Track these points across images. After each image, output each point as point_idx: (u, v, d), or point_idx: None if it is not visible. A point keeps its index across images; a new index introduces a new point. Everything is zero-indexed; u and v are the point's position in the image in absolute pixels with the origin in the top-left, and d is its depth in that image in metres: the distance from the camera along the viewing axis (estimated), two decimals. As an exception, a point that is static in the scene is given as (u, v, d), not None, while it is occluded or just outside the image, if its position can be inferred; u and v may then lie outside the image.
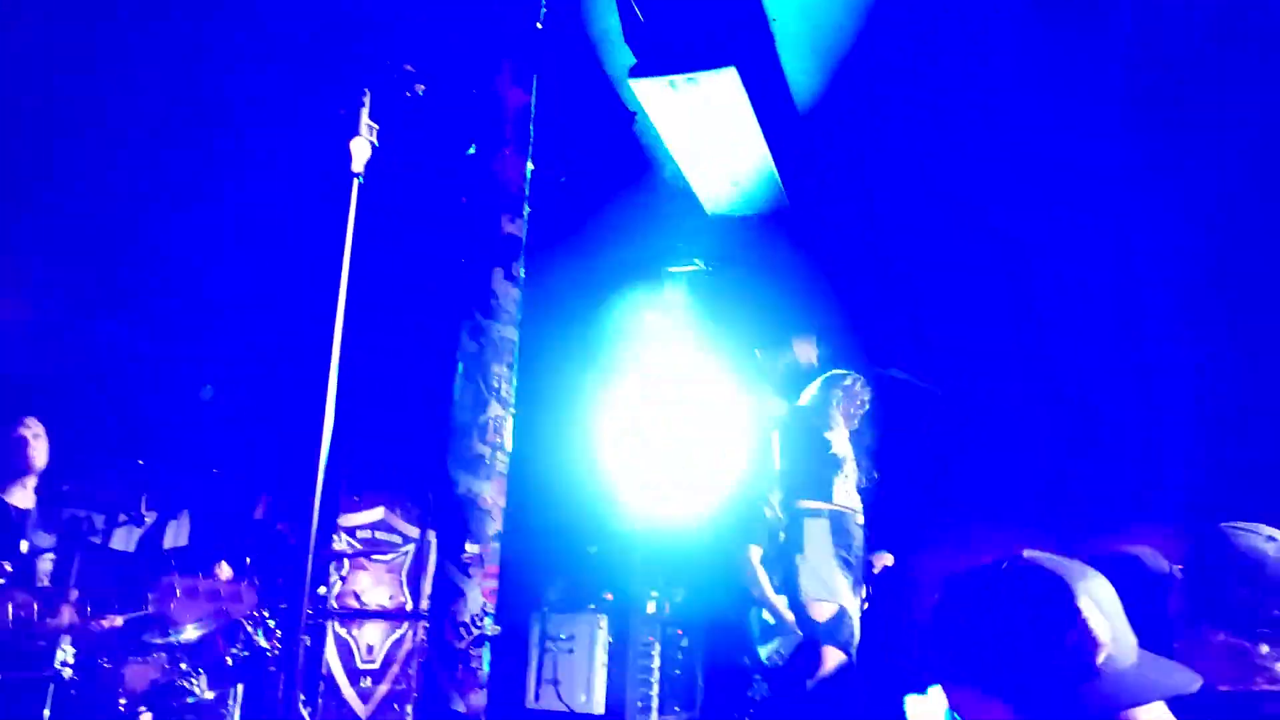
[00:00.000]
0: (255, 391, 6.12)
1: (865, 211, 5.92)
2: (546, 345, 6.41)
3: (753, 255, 6.50)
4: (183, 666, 4.06)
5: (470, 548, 3.33)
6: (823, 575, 4.56)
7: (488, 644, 3.22)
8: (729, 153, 5.07)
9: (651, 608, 7.62)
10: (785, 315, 6.75)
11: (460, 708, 3.12)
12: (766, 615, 5.47)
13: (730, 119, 4.63)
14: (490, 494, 3.42)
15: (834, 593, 4.56)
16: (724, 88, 4.34)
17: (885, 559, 6.69)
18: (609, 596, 7.46)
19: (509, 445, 3.51)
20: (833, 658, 4.43)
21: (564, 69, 4.24)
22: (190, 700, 4.01)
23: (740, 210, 5.77)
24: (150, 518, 5.57)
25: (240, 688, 4.50)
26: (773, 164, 5.10)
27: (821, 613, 4.59)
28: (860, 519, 4.78)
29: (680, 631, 7.92)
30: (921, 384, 5.53)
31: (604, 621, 7.35)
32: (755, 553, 5.38)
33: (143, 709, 3.89)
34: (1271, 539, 1.94)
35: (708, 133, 4.77)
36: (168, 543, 5.54)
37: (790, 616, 4.92)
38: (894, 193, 5.70)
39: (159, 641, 4.05)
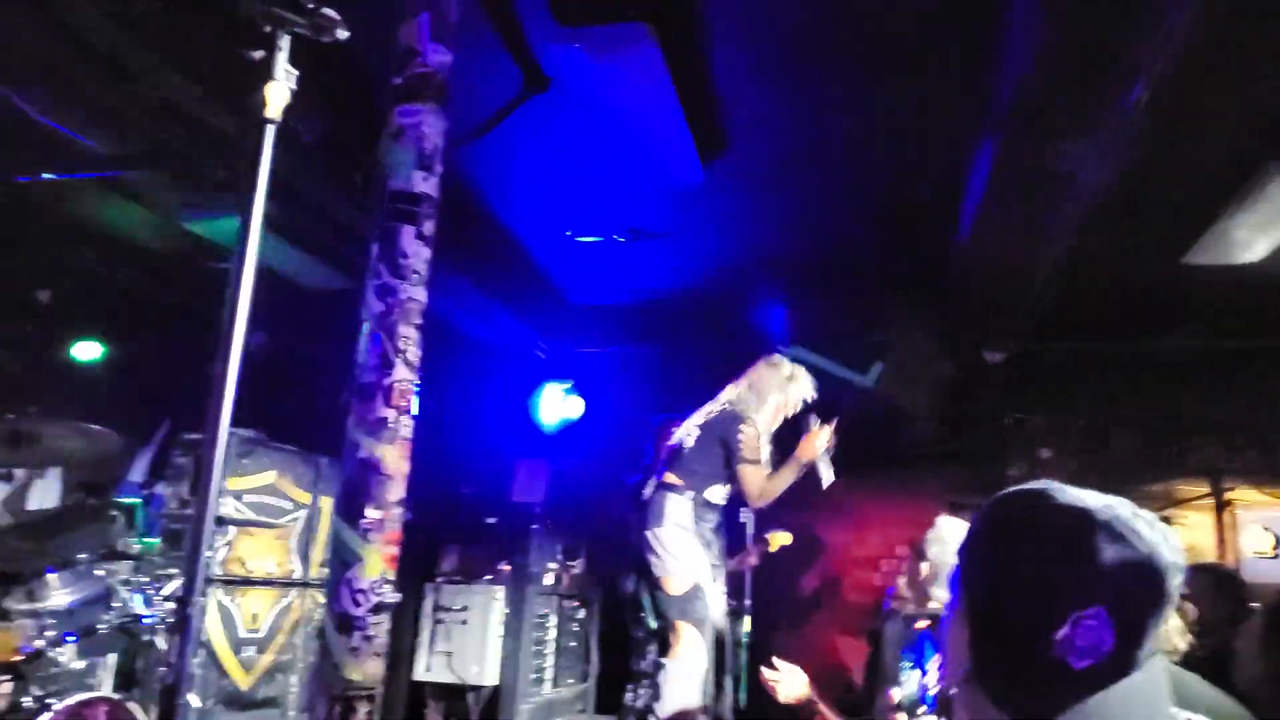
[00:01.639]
0: (146, 346, 6.03)
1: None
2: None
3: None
4: (49, 634, 3.85)
5: (371, 513, 3.21)
6: (675, 550, 4.57)
7: (387, 612, 3.13)
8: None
9: (549, 579, 7.66)
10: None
11: (356, 675, 3.04)
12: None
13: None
14: (393, 459, 3.33)
15: (688, 568, 4.56)
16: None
17: (782, 538, 7.20)
18: (506, 568, 7.44)
19: (414, 410, 3.41)
20: (686, 633, 4.43)
21: (486, 29, 4.20)
22: (55, 670, 3.81)
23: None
24: (20, 475, 5.46)
25: (113, 658, 4.41)
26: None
27: (675, 587, 4.60)
28: (721, 498, 4.73)
29: (578, 603, 8.00)
30: None
31: (500, 593, 7.35)
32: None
33: (4, 678, 3.70)
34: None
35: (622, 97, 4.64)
36: (32, 503, 5.42)
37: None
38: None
39: (23, 607, 3.88)
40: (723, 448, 4.72)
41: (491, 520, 7.55)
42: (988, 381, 7.68)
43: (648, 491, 4.85)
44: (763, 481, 4.63)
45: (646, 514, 4.73)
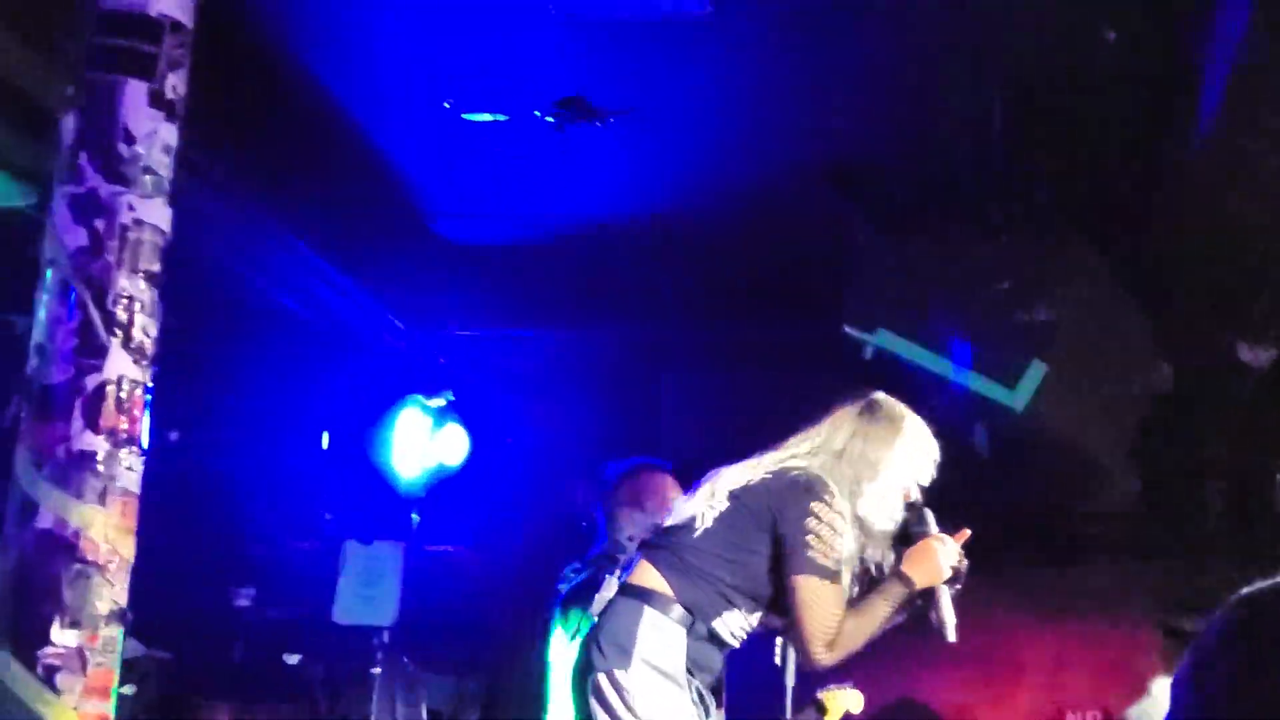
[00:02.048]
0: None
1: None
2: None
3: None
4: None
5: (61, 635, 3.38)
6: (646, 710, 4.43)
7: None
8: None
9: None
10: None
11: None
12: None
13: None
14: (105, 531, 3.37)
15: None
16: None
17: (847, 700, 6.88)
18: None
19: (146, 439, 3.63)
20: None
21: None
22: None
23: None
24: None
25: None
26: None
27: None
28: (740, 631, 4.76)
29: None
30: None
31: None
32: None
33: None
34: None
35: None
36: None
37: None
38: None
39: None
40: (768, 539, 4.55)
41: (293, 659, 7.32)
42: (1240, 400, 7.52)
43: (603, 596, 4.71)
44: (835, 614, 4.48)
45: (596, 639, 4.59)
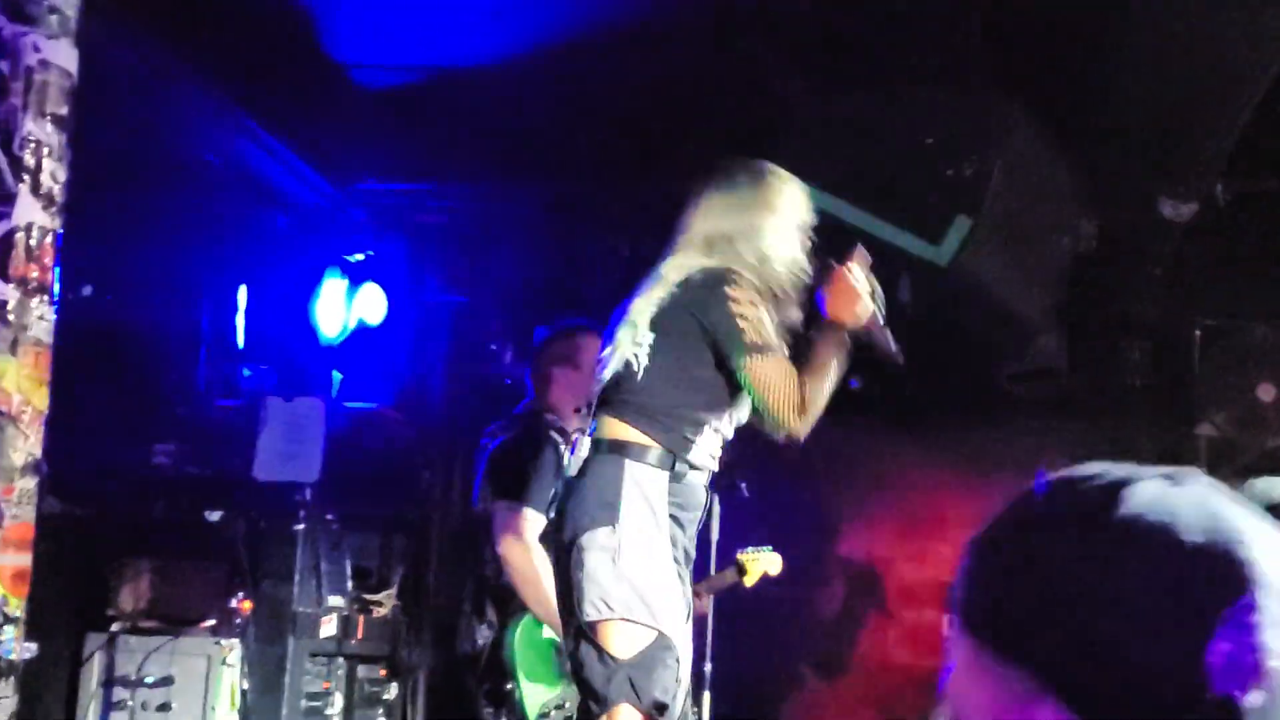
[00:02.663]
0: None
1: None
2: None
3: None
4: None
5: None
6: (632, 568, 4.41)
7: (11, 679, 3.24)
8: None
9: (328, 627, 7.44)
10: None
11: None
12: (550, 637, 5.63)
13: None
14: (18, 383, 3.33)
15: (653, 603, 4.40)
16: None
17: (766, 563, 7.09)
18: (244, 605, 7.17)
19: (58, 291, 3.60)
20: None
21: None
22: None
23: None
24: None
25: None
26: None
27: (623, 641, 4.41)
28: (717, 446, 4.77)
29: (384, 671, 7.87)
30: None
31: (234, 653, 7.06)
32: (528, 525, 5.55)
33: None
34: None
35: None
36: None
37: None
38: None
39: None
40: (705, 346, 4.56)
41: (214, 515, 7.24)
42: (1162, 257, 7.56)
43: (579, 456, 4.67)
44: (791, 382, 4.51)
45: (580, 500, 4.56)
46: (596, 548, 4.49)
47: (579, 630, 4.53)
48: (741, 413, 4.75)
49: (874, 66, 6.79)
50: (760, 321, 4.56)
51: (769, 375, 4.53)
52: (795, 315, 4.76)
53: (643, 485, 4.55)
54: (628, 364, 4.65)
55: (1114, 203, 7.27)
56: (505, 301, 7.79)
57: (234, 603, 7.10)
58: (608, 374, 4.74)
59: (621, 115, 7.45)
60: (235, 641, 6.99)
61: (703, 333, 4.58)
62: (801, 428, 4.58)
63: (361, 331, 7.87)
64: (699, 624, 6.61)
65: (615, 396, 4.67)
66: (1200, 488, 1.42)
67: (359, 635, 7.52)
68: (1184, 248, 7.42)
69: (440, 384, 8.18)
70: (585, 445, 4.74)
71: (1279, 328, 7.85)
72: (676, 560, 4.64)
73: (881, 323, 4.71)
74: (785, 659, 8.57)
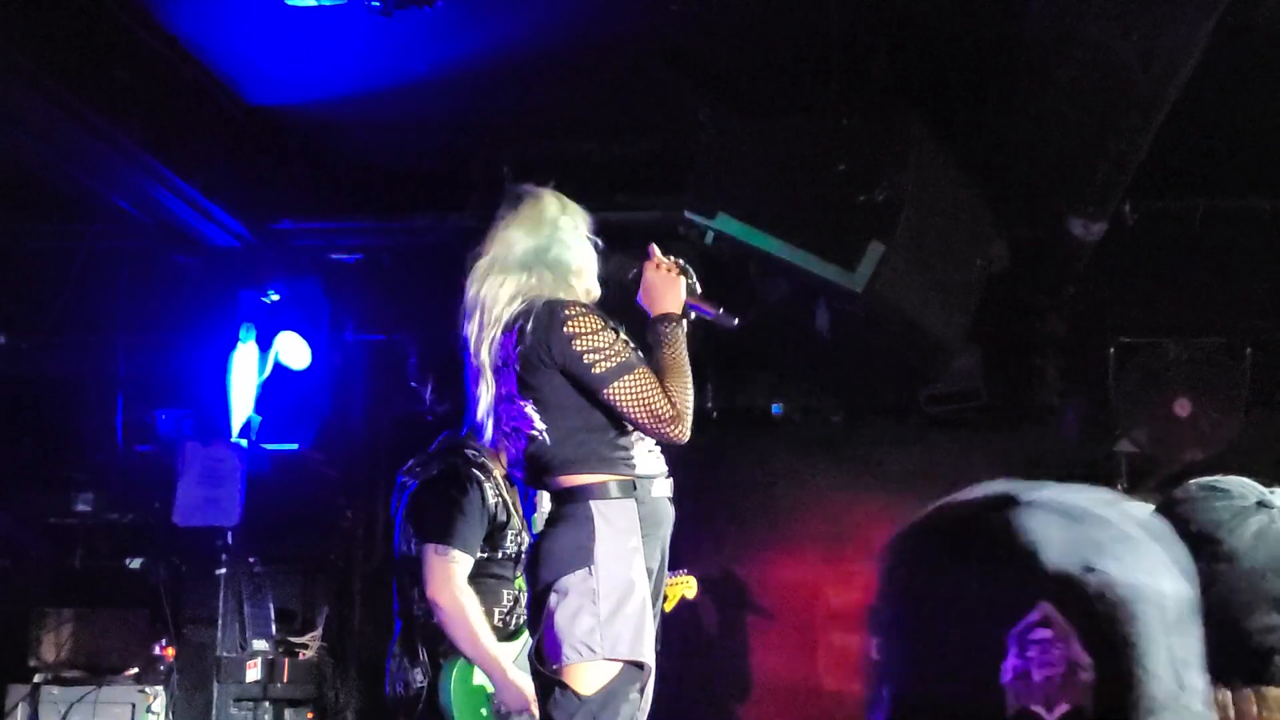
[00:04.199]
0: None
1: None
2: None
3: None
4: None
5: None
6: (609, 602, 4.35)
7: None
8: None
9: (254, 671, 7.34)
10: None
11: None
12: (482, 682, 5.50)
13: None
14: None
15: (623, 635, 4.33)
16: None
17: (682, 587, 6.90)
18: (168, 652, 7.10)
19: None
20: None
21: None
22: None
23: None
24: None
25: None
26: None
27: (589, 677, 4.32)
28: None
29: (311, 714, 7.79)
30: None
31: (159, 700, 7.00)
32: (457, 567, 5.37)
33: None
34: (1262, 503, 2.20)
35: None
36: None
37: (527, 691, 5.04)
38: None
39: None
40: (566, 377, 4.52)
41: (135, 562, 7.18)
42: (1074, 276, 7.62)
43: (543, 512, 4.62)
44: (656, 392, 4.46)
45: (540, 553, 4.52)
46: (573, 591, 4.45)
47: (551, 676, 4.46)
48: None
49: (785, 96, 6.78)
50: (604, 343, 4.54)
51: (632, 394, 4.51)
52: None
53: (613, 522, 4.52)
54: (531, 438, 4.63)
55: (1024, 223, 7.31)
56: (423, 338, 7.66)
57: (157, 649, 7.01)
58: (502, 432, 4.69)
59: (533, 146, 7.39)
60: (159, 689, 6.90)
61: (559, 368, 4.54)
62: (681, 432, 4.55)
63: (279, 373, 7.77)
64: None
65: (544, 463, 4.62)
66: (1032, 506, 1.44)
67: (284, 679, 7.41)
68: (1095, 266, 7.46)
69: (360, 423, 8.13)
70: (546, 500, 4.69)
71: (1192, 344, 7.90)
72: (650, 590, 4.61)
73: (699, 292, 4.71)
74: (708, 684, 8.48)
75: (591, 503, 4.53)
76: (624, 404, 4.51)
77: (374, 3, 5.92)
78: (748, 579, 8.46)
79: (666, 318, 4.64)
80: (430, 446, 5.83)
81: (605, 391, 4.46)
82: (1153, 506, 2.53)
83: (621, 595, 4.48)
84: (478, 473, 5.57)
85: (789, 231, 6.58)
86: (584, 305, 4.63)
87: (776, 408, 8.37)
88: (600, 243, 4.88)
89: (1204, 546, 2.21)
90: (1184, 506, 2.34)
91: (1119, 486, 8.07)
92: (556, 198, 4.91)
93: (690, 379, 4.61)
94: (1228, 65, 6.02)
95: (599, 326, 4.53)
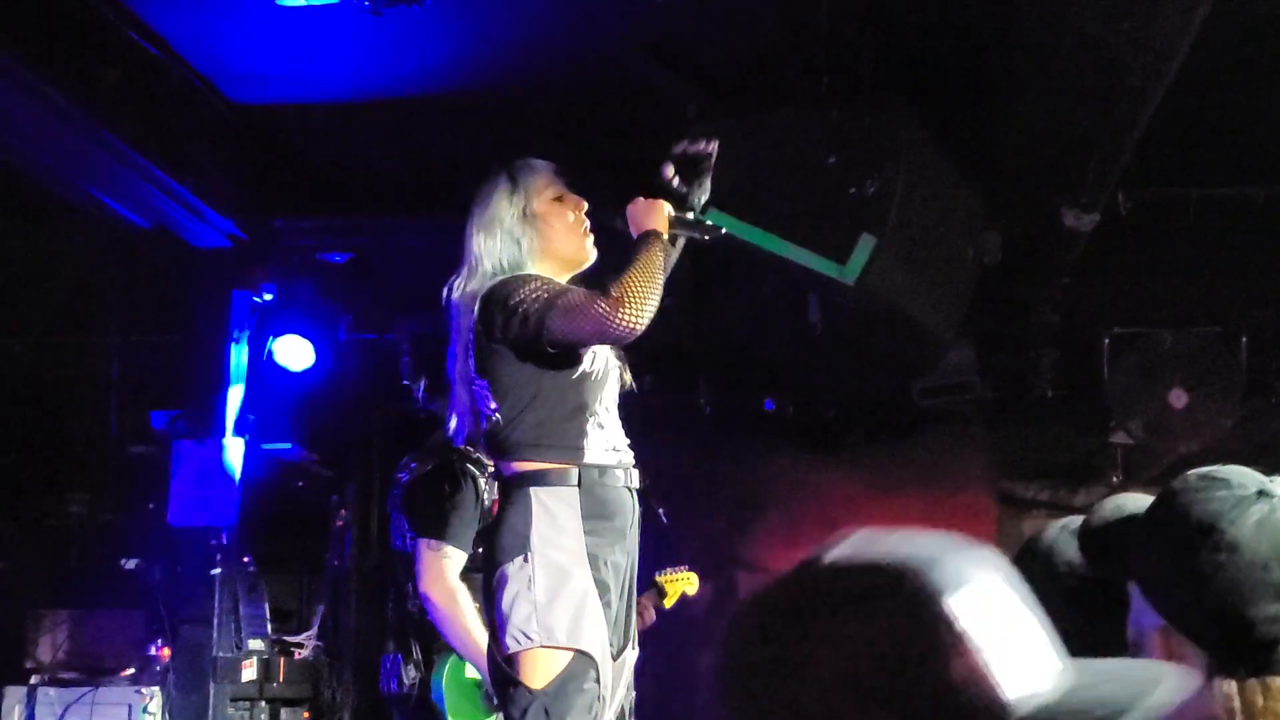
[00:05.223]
0: None
1: None
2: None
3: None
4: None
5: None
6: (545, 591, 4.35)
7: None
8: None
9: (250, 671, 7.38)
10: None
11: None
12: (475, 677, 5.49)
13: None
14: None
15: (567, 623, 4.32)
16: None
17: (683, 583, 6.97)
18: (163, 653, 7.10)
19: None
20: None
21: None
22: None
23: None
24: None
25: None
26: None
27: (539, 669, 4.31)
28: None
29: (307, 714, 7.85)
30: None
31: (155, 700, 6.98)
32: (450, 563, 5.37)
33: None
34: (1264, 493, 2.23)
35: None
36: None
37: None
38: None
39: None
40: (511, 353, 4.49)
41: (130, 563, 7.18)
42: (1067, 267, 7.62)
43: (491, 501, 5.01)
44: (583, 297, 4.46)
45: (487, 544, 4.62)
46: (511, 579, 4.44)
47: (499, 665, 4.46)
48: (606, 390, 4.69)
49: (774, 89, 6.78)
50: (533, 288, 4.49)
51: (565, 314, 4.44)
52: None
53: (550, 508, 4.50)
54: (489, 419, 4.63)
55: (1017, 215, 7.32)
56: (414, 336, 7.66)
57: (153, 650, 7.02)
58: (468, 428, 4.71)
59: (524, 143, 7.39)
60: (155, 689, 6.90)
61: (508, 343, 4.51)
62: (625, 316, 4.44)
63: (273, 373, 7.78)
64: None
65: (497, 446, 4.61)
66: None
67: (280, 678, 7.44)
68: (1089, 257, 7.47)
69: (354, 422, 8.14)
70: (494, 489, 4.81)
71: (1187, 334, 7.92)
72: (600, 578, 4.54)
73: (690, 217, 4.67)
74: (707, 678, 8.33)
75: (532, 489, 4.51)
76: (563, 332, 4.44)
77: (364, 2, 5.86)
78: (743, 574, 8.46)
79: (645, 233, 4.61)
80: (424, 444, 5.86)
81: (543, 333, 4.39)
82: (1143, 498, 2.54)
83: (557, 582, 4.45)
84: (472, 468, 5.57)
85: (780, 226, 6.56)
86: (525, 275, 4.59)
87: (769, 403, 8.41)
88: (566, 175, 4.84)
89: (1205, 537, 2.22)
90: (1183, 497, 2.33)
91: (1114, 478, 8.15)
92: (507, 179, 4.86)
93: (650, 273, 4.51)
94: (1221, 53, 6.01)
95: (531, 282, 4.49)
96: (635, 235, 4.63)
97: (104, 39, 6.30)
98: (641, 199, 4.67)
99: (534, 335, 4.46)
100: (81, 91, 6.24)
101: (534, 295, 4.50)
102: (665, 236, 4.61)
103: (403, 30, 6.30)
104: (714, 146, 4.82)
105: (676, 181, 4.73)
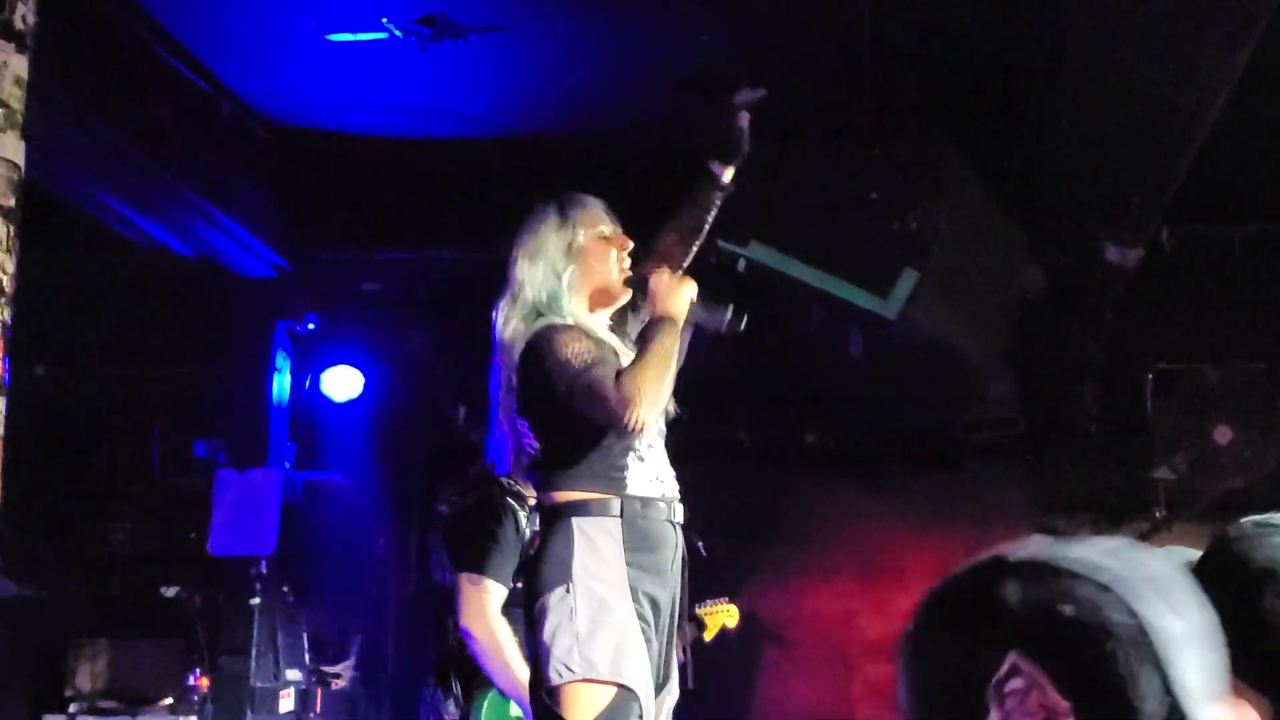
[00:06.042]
0: None
1: None
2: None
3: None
4: None
5: None
6: (589, 624, 4.30)
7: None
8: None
9: (287, 701, 7.37)
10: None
11: None
12: (516, 714, 5.47)
13: None
14: None
15: (610, 656, 4.25)
16: None
17: (724, 616, 7.00)
18: (203, 682, 7.13)
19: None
20: None
21: None
22: None
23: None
24: None
25: None
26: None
27: (582, 703, 4.25)
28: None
29: None
30: None
31: None
32: (491, 597, 5.31)
33: None
34: None
35: None
36: None
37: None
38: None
39: None
40: (553, 417, 4.50)
41: (170, 591, 7.23)
42: (1110, 302, 7.52)
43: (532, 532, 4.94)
44: (610, 386, 4.39)
45: (528, 574, 4.55)
46: (552, 610, 4.41)
47: (542, 699, 4.42)
48: (664, 417, 4.66)
49: (818, 123, 6.75)
50: (568, 356, 4.46)
51: (584, 394, 4.41)
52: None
53: (593, 539, 4.48)
54: (531, 455, 4.63)
55: (1060, 249, 7.29)
56: (455, 366, 7.67)
57: (192, 679, 7.03)
58: (511, 467, 4.71)
59: (566, 182, 7.38)
60: (194, 719, 6.91)
61: (546, 391, 4.48)
62: (629, 416, 4.41)
63: (314, 402, 7.84)
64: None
65: (539, 479, 4.61)
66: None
67: (318, 709, 7.44)
68: (1133, 292, 7.43)
69: (394, 450, 8.13)
70: (535, 522, 4.80)
71: (1231, 369, 7.86)
72: (641, 613, 4.51)
73: (705, 308, 4.60)
74: (745, 714, 8.42)
75: (573, 519, 4.50)
76: (581, 411, 4.43)
77: (410, 36, 5.96)
78: (782, 608, 8.41)
79: (667, 316, 4.55)
80: (466, 476, 5.87)
81: (569, 403, 4.40)
82: (1187, 550, 2.51)
83: (599, 614, 4.43)
84: (512, 502, 5.56)
85: (822, 259, 6.56)
86: (566, 326, 4.55)
87: (810, 436, 8.40)
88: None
89: (1268, 584, 2.16)
90: (1242, 544, 2.30)
91: (1157, 514, 8.07)
92: (556, 211, 4.84)
93: (662, 369, 4.49)
94: (1266, 90, 6.00)
95: (568, 347, 4.48)
96: (655, 312, 4.59)
97: (156, 75, 6.37)
98: (668, 274, 4.62)
99: (562, 403, 4.46)
100: (133, 127, 6.29)
101: (565, 366, 4.46)
102: (675, 324, 4.56)
103: (448, 64, 6.31)
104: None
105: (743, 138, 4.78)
